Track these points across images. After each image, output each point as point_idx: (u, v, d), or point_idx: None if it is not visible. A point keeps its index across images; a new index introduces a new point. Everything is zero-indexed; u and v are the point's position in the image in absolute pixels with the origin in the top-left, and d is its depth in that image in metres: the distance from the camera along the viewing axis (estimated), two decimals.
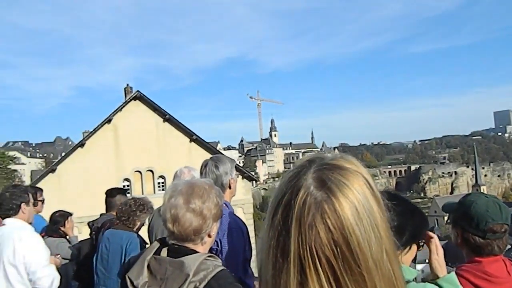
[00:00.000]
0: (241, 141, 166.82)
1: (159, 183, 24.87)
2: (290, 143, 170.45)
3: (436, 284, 1.58)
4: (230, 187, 3.01)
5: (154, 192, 23.32)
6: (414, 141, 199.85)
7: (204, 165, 3.00)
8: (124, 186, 22.82)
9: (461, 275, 1.94)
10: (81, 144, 24.24)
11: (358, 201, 0.72)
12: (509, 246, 2.21)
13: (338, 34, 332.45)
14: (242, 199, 25.58)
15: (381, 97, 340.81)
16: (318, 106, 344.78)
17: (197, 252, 1.79)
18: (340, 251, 0.70)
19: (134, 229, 4.00)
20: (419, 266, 2.15)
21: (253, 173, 40.09)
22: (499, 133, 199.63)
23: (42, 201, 5.49)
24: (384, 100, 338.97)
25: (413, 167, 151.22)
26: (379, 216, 0.74)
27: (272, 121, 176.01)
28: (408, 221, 1.63)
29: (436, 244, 1.65)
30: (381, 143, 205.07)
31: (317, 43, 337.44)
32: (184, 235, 1.79)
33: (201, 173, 3.02)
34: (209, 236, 1.86)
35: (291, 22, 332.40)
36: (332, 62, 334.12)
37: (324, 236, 0.70)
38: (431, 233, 1.66)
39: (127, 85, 26.98)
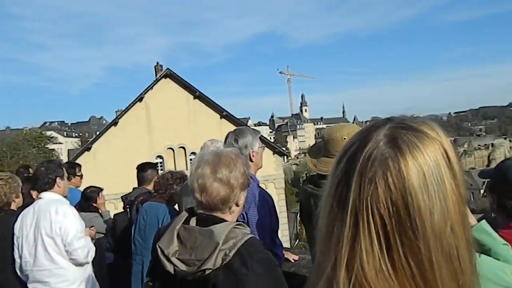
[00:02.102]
0: (272, 116, 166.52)
1: (191, 159, 25.17)
2: (321, 118, 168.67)
3: None
4: (252, 160, 2.98)
5: (187, 169, 23.51)
6: (449, 113, 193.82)
7: (226, 137, 3.01)
8: (157, 163, 23.21)
9: None
10: (115, 123, 24.76)
11: (428, 167, 0.69)
12: None
13: (371, 6, 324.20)
14: (273, 175, 25.72)
15: (414, 69, 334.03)
16: (349, 80, 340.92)
17: (226, 221, 1.80)
18: (396, 211, 0.67)
19: (171, 202, 4.07)
20: None
21: (284, 149, 40.04)
22: None
23: (81, 176, 5.67)
24: (417, 72, 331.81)
25: None
26: (450, 189, 0.69)
27: (302, 96, 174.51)
28: None
29: None
30: (414, 115, 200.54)
31: (349, 16, 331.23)
32: (212, 205, 1.79)
33: (225, 145, 3.02)
34: (237, 205, 1.86)
35: None
36: (364, 35, 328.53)
37: (382, 193, 0.68)
38: None
39: (157, 63, 26.95)
